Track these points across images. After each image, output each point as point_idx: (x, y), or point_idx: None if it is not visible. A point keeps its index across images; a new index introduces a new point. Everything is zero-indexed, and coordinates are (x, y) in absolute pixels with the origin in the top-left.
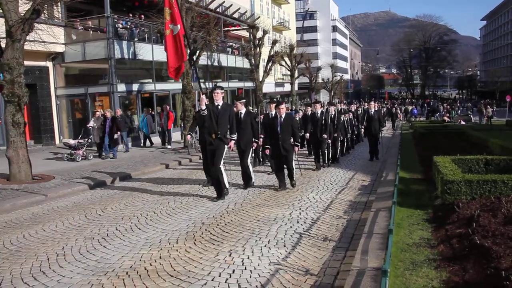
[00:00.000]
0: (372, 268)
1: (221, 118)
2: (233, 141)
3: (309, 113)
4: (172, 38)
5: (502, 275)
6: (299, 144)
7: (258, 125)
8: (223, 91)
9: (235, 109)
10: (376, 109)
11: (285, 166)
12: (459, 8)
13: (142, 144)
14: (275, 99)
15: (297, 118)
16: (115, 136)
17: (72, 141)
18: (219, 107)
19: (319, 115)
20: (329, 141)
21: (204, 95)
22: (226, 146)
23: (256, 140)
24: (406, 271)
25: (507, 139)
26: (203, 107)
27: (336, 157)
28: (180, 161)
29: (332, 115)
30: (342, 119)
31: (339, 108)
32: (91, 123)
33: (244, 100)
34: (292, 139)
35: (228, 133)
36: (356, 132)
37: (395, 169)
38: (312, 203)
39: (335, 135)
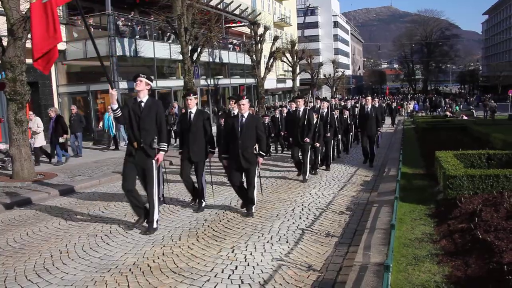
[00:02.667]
0: (374, 264)
1: (145, 120)
2: (162, 153)
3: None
4: (40, 7)
5: (504, 270)
6: (264, 154)
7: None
8: (196, 96)
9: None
10: (376, 105)
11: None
12: (460, 3)
13: (108, 147)
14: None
15: (277, 116)
16: (60, 139)
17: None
18: (143, 104)
19: (300, 113)
20: (318, 145)
21: (114, 89)
22: (153, 162)
23: (212, 150)
24: (408, 266)
25: (509, 134)
26: (114, 105)
27: (327, 161)
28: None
29: (325, 113)
30: (336, 116)
31: (333, 103)
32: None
33: (196, 96)
34: (256, 147)
35: (157, 141)
36: (351, 133)
37: (397, 164)
38: (315, 199)
39: (328, 135)
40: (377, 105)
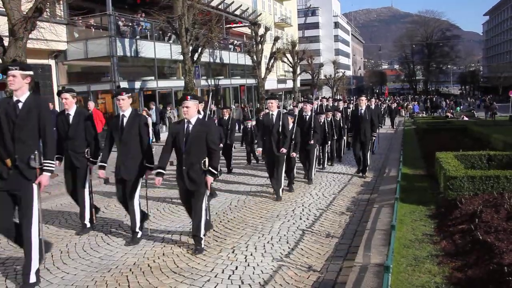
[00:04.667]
0: (374, 264)
1: (21, 128)
2: (46, 175)
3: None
4: None
5: (504, 271)
6: (216, 173)
7: (148, 136)
8: (130, 95)
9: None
10: (372, 106)
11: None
12: (461, 4)
13: None
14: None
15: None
16: None
17: None
18: (20, 105)
19: (274, 118)
20: (294, 155)
21: None
22: (33, 186)
23: (150, 166)
24: (408, 267)
25: (510, 135)
26: None
27: (310, 170)
28: None
29: (308, 117)
30: (323, 120)
31: (325, 104)
32: None
33: (130, 94)
34: (206, 162)
35: (38, 157)
36: (344, 137)
37: (397, 165)
38: (315, 200)
39: (311, 142)
40: (373, 106)
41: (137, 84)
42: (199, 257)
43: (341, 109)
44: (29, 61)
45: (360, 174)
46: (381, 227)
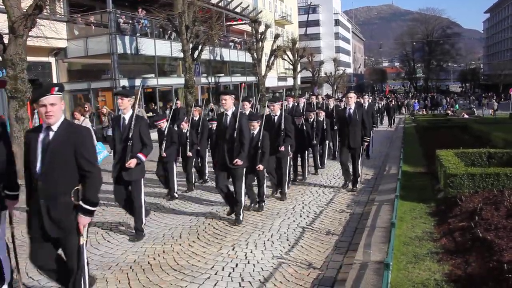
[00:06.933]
0: (374, 262)
1: None
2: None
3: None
4: None
5: (504, 268)
6: (90, 209)
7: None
8: (129, 98)
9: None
10: (366, 104)
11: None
12: (462, 1)
13: None
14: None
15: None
16: None
17: None
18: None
19: (228, 121)
20: (260, 167)
21: None
22: None
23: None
24: (408, 264)
25: (510, 132)
26: None
27: (282, 183)
28: None
29: (276, 118)
30: (300, 122)
31: (315, 102)
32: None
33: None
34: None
35: None
36: (327, 141)
37: (398, 162)
38: (315, 197)
39: (281, 149)
40: (366, 104)
41: (137, 82)
42: (200, 255)
43: (331, 107)
44: (29, 58)
45: (350, 187)
46: (381, 224)
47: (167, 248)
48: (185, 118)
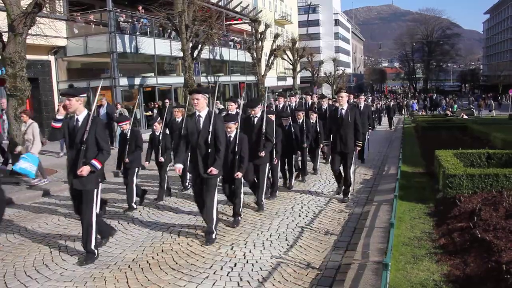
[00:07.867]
0: (373, 262)
1: None
2: None
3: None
4: None
5: (503, 269)
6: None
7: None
8: (77, 98)
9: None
10: (362, 105)
11: None
12: (462, 2)
13: None
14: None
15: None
16: None
17: None
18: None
19: (201, 124)
20: (239, 175)
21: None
22: None
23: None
24: (407, 265)
25: (509, 133)
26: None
27: (260, 197)
28: None
29: (256, 120)
30: (288, 123)
31: (309, 102)
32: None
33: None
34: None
35: None
36: (320, 145)
37: (397, 163)
38: (314, 197)
39: (261, 154)
40: (362, 105)
41: (137, 81)
42: (198, 254)
43: (324, 108)
44: (29, 57)
45: (341, 196)
46: (380, 224)
47: (165, 247)
48: (158, 118)
